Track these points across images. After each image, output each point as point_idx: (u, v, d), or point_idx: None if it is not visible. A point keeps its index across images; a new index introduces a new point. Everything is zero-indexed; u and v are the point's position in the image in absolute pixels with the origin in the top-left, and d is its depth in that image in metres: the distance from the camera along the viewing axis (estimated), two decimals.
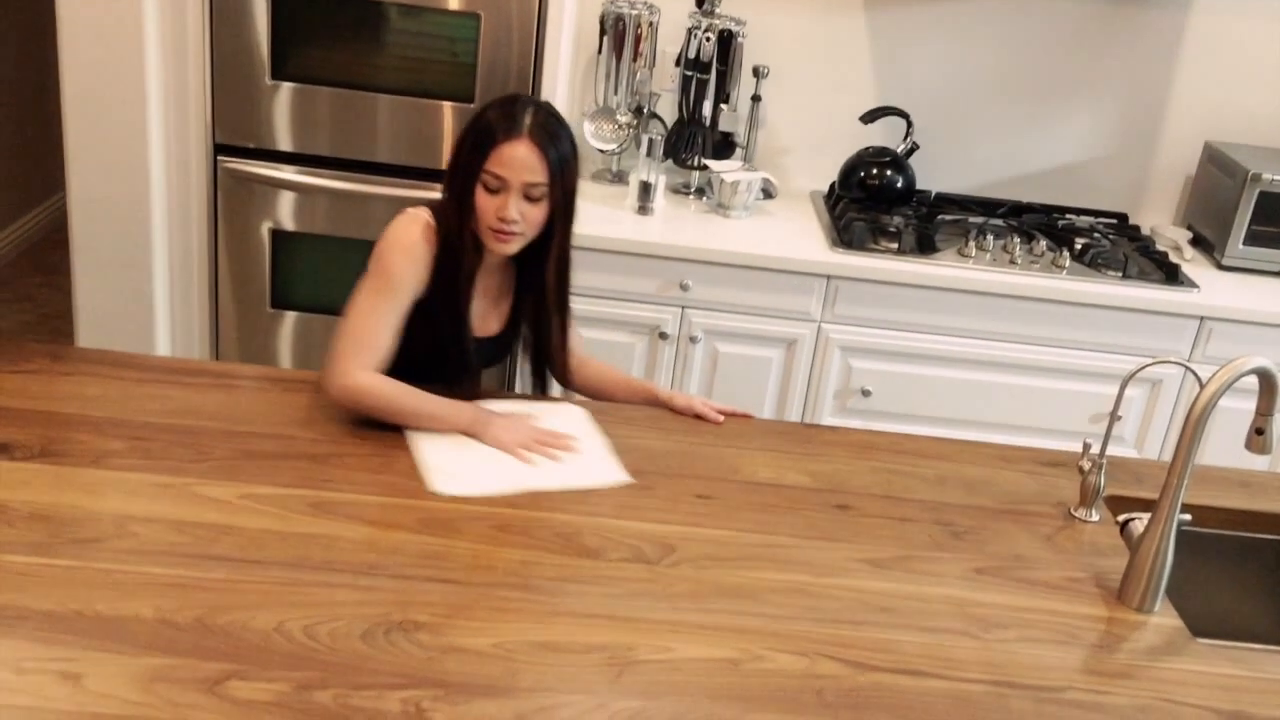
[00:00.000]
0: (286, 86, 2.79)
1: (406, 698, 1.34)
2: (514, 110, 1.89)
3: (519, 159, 1.87)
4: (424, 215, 1.96)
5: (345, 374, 1.88)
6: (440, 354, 2.02)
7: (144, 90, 2.73)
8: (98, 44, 2.68)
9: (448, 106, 2.83)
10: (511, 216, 1.88)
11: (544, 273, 2.02)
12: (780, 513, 1.82)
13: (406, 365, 2.05)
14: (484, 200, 1.90)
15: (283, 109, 2.82)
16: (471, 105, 2.79)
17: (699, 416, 2.08)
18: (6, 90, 4.48)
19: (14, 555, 1.50)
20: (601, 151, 3.23)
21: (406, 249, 1.93)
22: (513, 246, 1.94)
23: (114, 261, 2.87)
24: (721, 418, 2.08)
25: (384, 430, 1.89)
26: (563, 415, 2.01)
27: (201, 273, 2.95)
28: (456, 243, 1.94)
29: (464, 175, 1.91)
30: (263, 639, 1.40)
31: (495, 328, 2.09)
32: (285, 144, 2.85)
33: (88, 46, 2.69)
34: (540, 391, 2.17)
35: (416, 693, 1.35)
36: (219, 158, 2.85)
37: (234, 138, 2.84)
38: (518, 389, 2.22)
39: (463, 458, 1.85)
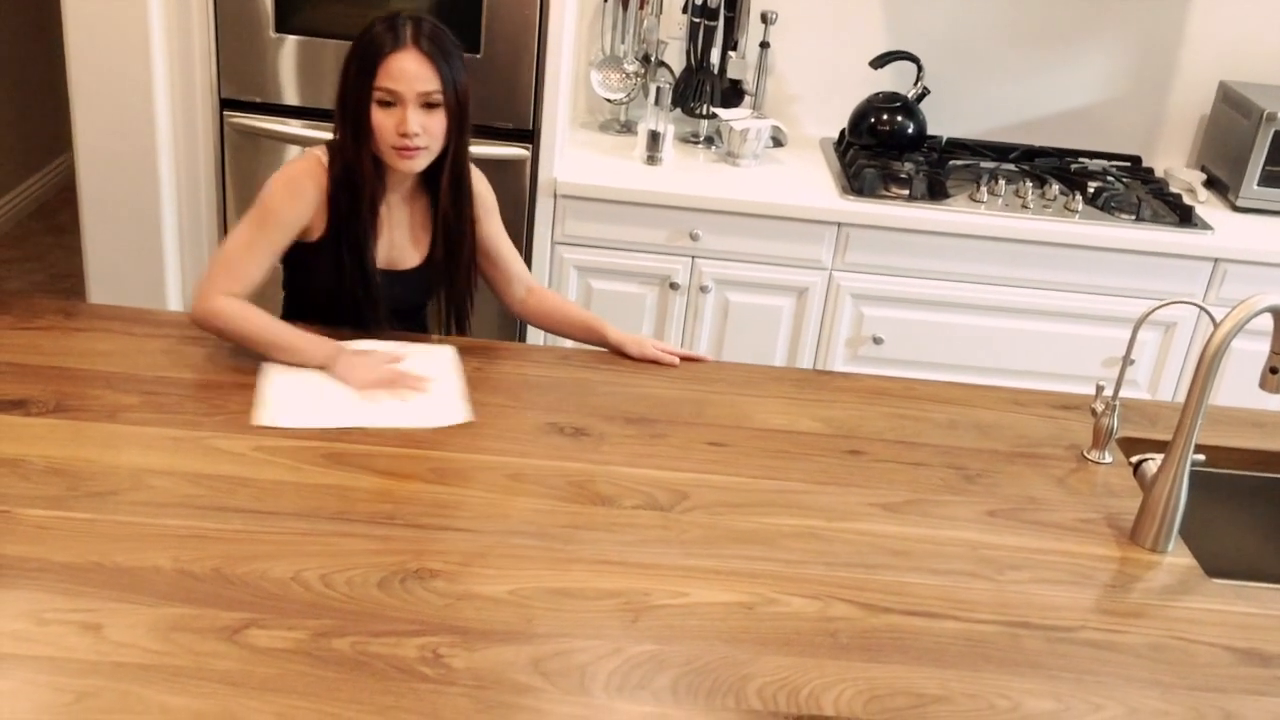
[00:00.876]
0: (291, 39, 2.77)
1: (424, 644, 1.35)
2: (396, 23, 1.87)
3: (409, 70, 1.84)
4: (316, 153, 1.94)
5: (206, 297, 1.88)
6: (348, 293, 1.99)
7: (148, 46, 2.71)
8: (101, 1, 2.67)
9: None
10: (413, 129, 1.85)
11: (439, 190, 1.98)
12: (793, 458, 1.82)
13: (316, 306, 2.03)
14: (381, 118, 1.87)
15: (288, 62, 2.80)
16: (478, 56, 2.76)
17: (654, 361, 2.06)
18: (11, 51, 4.46)
19: (33, 509, 1.51)
20: (609, 101, 3.20)
21: (289, 184, 1.91)
22: (419, 162, 1.91)
23: (123, 218, 2.87)
24: (677, 360, 2.07)
25: None
26: (429, 355, 1.97)
27: (210, 228, 2.95)
28: (356, 170, 1.91)
29: (355, 97, 1.88)
30: (280, 588, 1.41)
31: (416, 260, 2.05)
32: (291, 98, 2.83)
33: (91, 3, 2.67)
34: (459, 330, 2.11)
35: (434, 639, 1.36)
36: (225, 113, 2.84)
37: (239, 92, 2.83)
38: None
39: (301, 392, 1.83)
